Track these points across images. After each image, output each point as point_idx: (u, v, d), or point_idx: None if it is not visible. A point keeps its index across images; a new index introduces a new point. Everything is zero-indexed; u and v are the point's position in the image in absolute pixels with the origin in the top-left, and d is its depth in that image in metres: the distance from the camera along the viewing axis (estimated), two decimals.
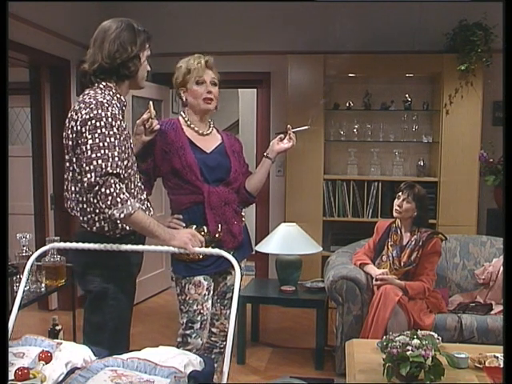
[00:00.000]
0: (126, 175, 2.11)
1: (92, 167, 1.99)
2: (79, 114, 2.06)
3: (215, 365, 2.62)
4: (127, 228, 2.15)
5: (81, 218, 2.18)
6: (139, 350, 1.84)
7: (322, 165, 4.96)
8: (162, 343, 2.00)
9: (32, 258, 2.14)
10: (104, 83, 2.16)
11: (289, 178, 5.01)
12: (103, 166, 1.99)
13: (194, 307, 2.55)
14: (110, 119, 2.04)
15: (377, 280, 3.45)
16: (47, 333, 3.24)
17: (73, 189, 2.16)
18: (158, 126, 2.51)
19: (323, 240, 4.86)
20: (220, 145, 2.69)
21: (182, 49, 5.28)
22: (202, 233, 2.48)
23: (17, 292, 2.13)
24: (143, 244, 2.23)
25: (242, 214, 2.72)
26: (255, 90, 5.51)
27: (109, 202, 1.99)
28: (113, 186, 1.99)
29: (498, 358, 2.48)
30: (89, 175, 2.00)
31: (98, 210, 2.08)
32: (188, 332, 2.56)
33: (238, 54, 5.17)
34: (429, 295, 3.47)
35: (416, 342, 2.30)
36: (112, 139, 2.03)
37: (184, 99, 2.64)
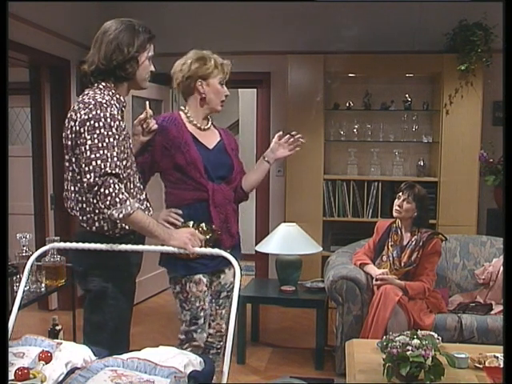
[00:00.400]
0: (125, 175, 2.11)
1: (91, 167, 2.00)
2: (78, 115, 2.06)
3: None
4: (127, 227, 2.15)
5: (80, 218, 2.18)
6: (139, 350, 1.84)
7: (322, 165, 4.96)
8: (161, 343, 2.00)
9: (32, 257, 2.14)
10: (103, 83, 2.16)
11: (289, 178, 5.01)
12: (102, 167, 1.99)
13: (197, 304, 2.57)
14: (108, 119, 2.04)
15: (377, 280, 3.45)
16: (47, 333, 3.24)
17: (72, 188, 2.17)
18: (156, 126, 2.49)
19: (323, 240, 4.86)
20: (220, 142, 2.68)
21: (181, 49, 5.26)
22: (201, 230, 2.47)
23: (17, 292, 2.13)
24: (143, 243, 2.23)
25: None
26: (255, 90, 5.51)
27: (108, 202, 2.00)
28: (112, 186, 2.00)
29: (497, 357, 2.48)
30: (88, 175, 2.00)
31: (97, 210, 2.09)
32: (193, 328, 2.57)
33: (237, 53, 5.14)
34: (429, 295, 3.47)
35: (416, 342, 2.30)
36: (111, 139, 2.03)
37: (200, 91, 2.57)
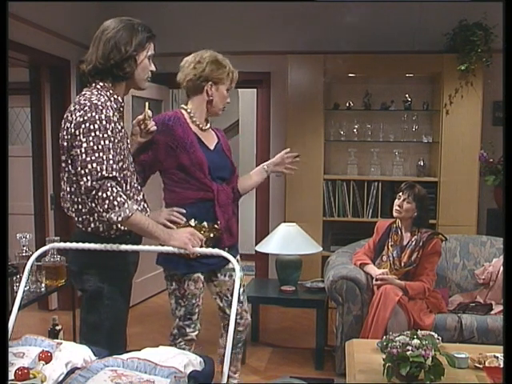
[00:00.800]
0: (121, 177, 2.09)
1: (87, 171, 1.99)
2: (74, 116, 2.05)
3: (239, 355, 2.96)
4: (122, 228, 2.14)
5: (76, 219, 2.17)
6: (139, 350, 1.84)
7: (322, 165, 4.96)
8: (161, 343, 2.00)
9: (32, 257, 2.14)
10: (101, 83, 2.15)
11: (289, 177, 5.00)
12: (98, 170, 1.98)
13: (193, 301, 2.63)
14: (104, 122, 2.02)
15: (377, 280, 3.45)
16: (47, 333, 3.24)
17: (68, 189, 2.16)
18: (155, 128, 2.47)
19: (323, 240, 4.86)
20: (218, 143, 2.71)
21: (181, 49, 5.26)
22: (204, 229, 2.50)
23: (17, 292, 2.13)
24: (139, 244, 2.22)
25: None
26: (255, 89, 5.51)
27: (106, 206, 1.99)
28: (109, 189, 1.98)
29: (498, 357, 2.48)
30: (85, 178, 1.99)
31: (95, 214, 2.08)
32: (187, 323, 2.64)
33: (237, 53, 5.12)
34: (429, 295, 3.47)
35: (416, 342, 2.30)
36: (106, 142, 2.01)
37: (208, 93, 2.60)
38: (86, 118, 2.01)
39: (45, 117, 4.72)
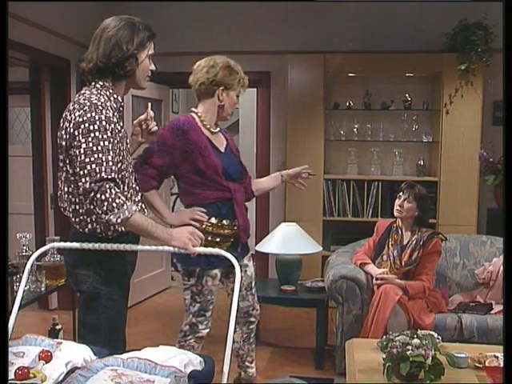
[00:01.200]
0: (120, 177, 2.08)
1: (86, 172, 1.97)
2: (73, 116, 2.03)
3: (252, 346, 3.15)
4: (120, 229, 2.12)
5: (73, 219, 2.15)
6: (139, 350, 1.84)
7: (322, 164, 4.96)
8: (162, 343, 2.00)
9: (32, 257, 2.13)
10: (101, 82, 2.13)
11: None
12: (97, 171, 1.96)
13: (209, 297, 2.72)
14: (103, 122, 2.00)
15: (377, 279, 3.45)
16: (47, 332, 3.25)
17: (65, 189, 2.13)
18: (156, 128, 2.47)
19: (323, 240, 4.86)
20: (227, 145, 2.80)
21: (181, 48, 5.31)
22: (224, 227, 2.65)
23: (17, 292, 2.13)
24: (137, 244, 2.21)
25: None
26: (255, 89, 5.51)
27: (105, 208, 1.96)
28: (108, 191, 1.96)
29: (497, 357, 2.48)
30: (83, 179, 1.97)
31: (94, 216, 2.06)
32: (200, 319, 2.73)
33: (237, 53, 5.13)
34: (429, 295, 3.47)
35: (416, 341, 2.30)
36: (106, 143, 1.99)
37: (220, 98, 2.66)
38: (85, 118, 1.99)
39: (45, 116, 4.71)
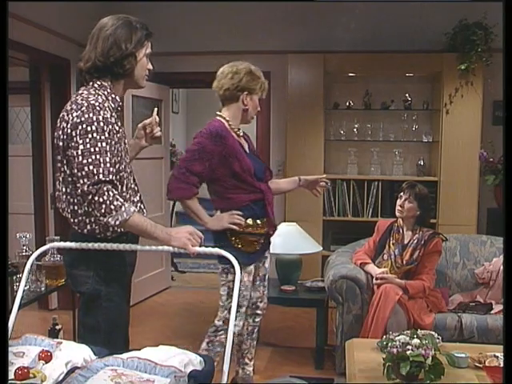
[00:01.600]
0: (117, 178, 2.06)
1: (84, 173, 1.95)
2: (70, 116, 2.01)
3: (254, 342, 3.17)
4: (118, 230, 2.11)
5: (71, 220, 2.13)
6: (139, 350, 1.84)
7: (322, 164, 4.96)
8: (162, 343, 2.00)
9: (32, 257, 2.13)
10: (99, 82, 2.10)
11: (289, 177, 4.99)
12: (95, 172, 1.94)
13: (244, 293, 2.81)
14: (101, 123, 1.98)
15: (377, 279, 3.45)
16: (47, 332, 3.25)
17: (64, 190, 2.12)
18: (160, 134, 2.44)
19: (323, 239, 4.87)
20: (249, 146, 2.93)
21: (181, 48, 5.31)
22: (259, 226, 2.78)
23: (17, 291, 2.12)
24: (136, 244, 2.19)
25: None
26: None
27: (103, 211, 1.95)
28: (106, 193, 1.95)
29: (497, 357, 2.48)
30: (81, 181, 1.96)
31: (93, 218, 2.05)
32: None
33: (237, 53, 5.15)
34: (429, 294, 3.47)
35: (416, 341, 2.30)
36: (103, 144, 1.97)
37: (244, 102, 2.77)
38: (83, 118, 1.97)
39: (45, 116, 4.72)
